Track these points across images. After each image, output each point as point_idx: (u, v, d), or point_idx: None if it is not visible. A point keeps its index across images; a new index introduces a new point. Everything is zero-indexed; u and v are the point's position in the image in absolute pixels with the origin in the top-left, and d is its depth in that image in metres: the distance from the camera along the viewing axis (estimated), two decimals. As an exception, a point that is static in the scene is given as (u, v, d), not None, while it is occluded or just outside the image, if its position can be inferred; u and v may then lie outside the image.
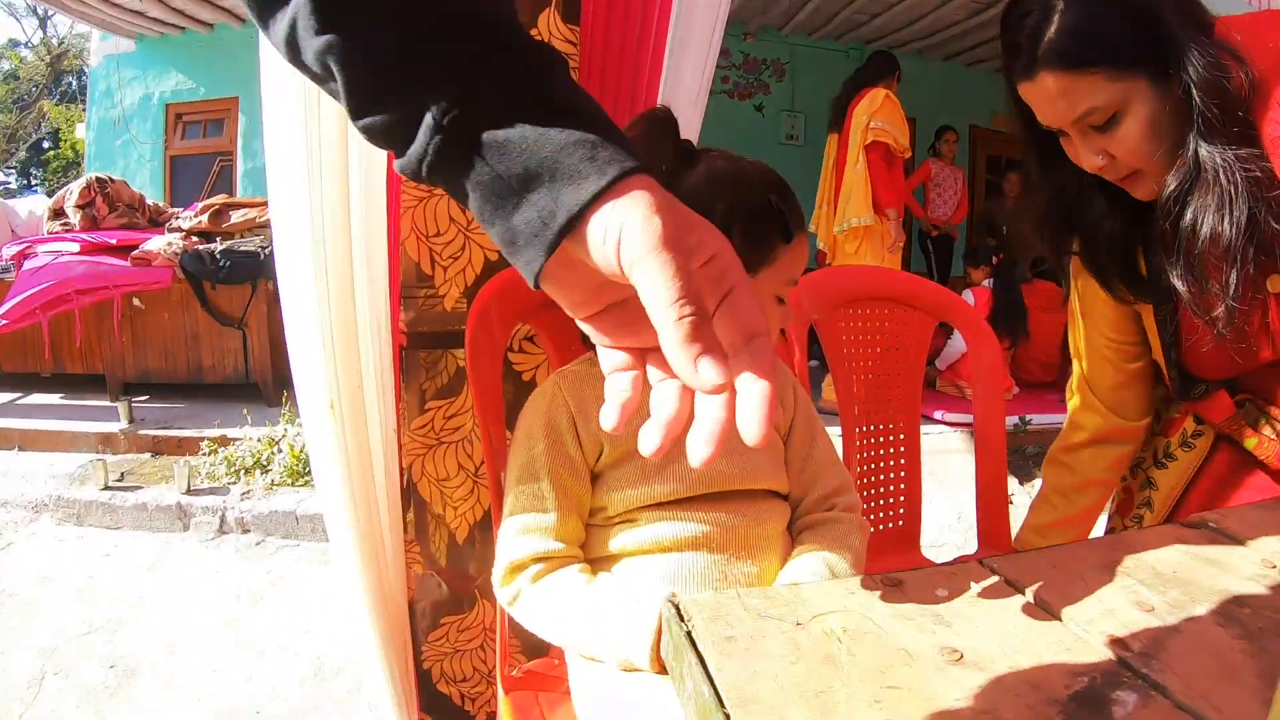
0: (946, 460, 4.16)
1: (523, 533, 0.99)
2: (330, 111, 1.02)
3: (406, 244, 1.29)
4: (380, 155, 1.11)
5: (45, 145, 18.09)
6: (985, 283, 5.43)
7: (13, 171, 18.34)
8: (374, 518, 1.19)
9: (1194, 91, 1.01)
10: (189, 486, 3.55)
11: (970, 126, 8.38)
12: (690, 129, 1.44)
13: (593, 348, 1.10)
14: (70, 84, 17.77)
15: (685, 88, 1.43)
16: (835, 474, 1.13)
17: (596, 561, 1.03)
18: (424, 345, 1.32)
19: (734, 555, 1.00)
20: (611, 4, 1.34)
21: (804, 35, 7.63)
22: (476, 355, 1.08)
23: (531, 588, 0.98)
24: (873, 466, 1.66)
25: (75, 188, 5.43)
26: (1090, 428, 1.41)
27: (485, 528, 1.43)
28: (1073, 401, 1.44)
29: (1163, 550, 0.86)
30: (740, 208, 1.00)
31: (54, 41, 18.02)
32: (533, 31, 1.30)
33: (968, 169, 8.28)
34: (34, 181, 17.91)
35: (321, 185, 1.02)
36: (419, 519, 1.41)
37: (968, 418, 4.48)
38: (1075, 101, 1.07)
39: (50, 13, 15.20)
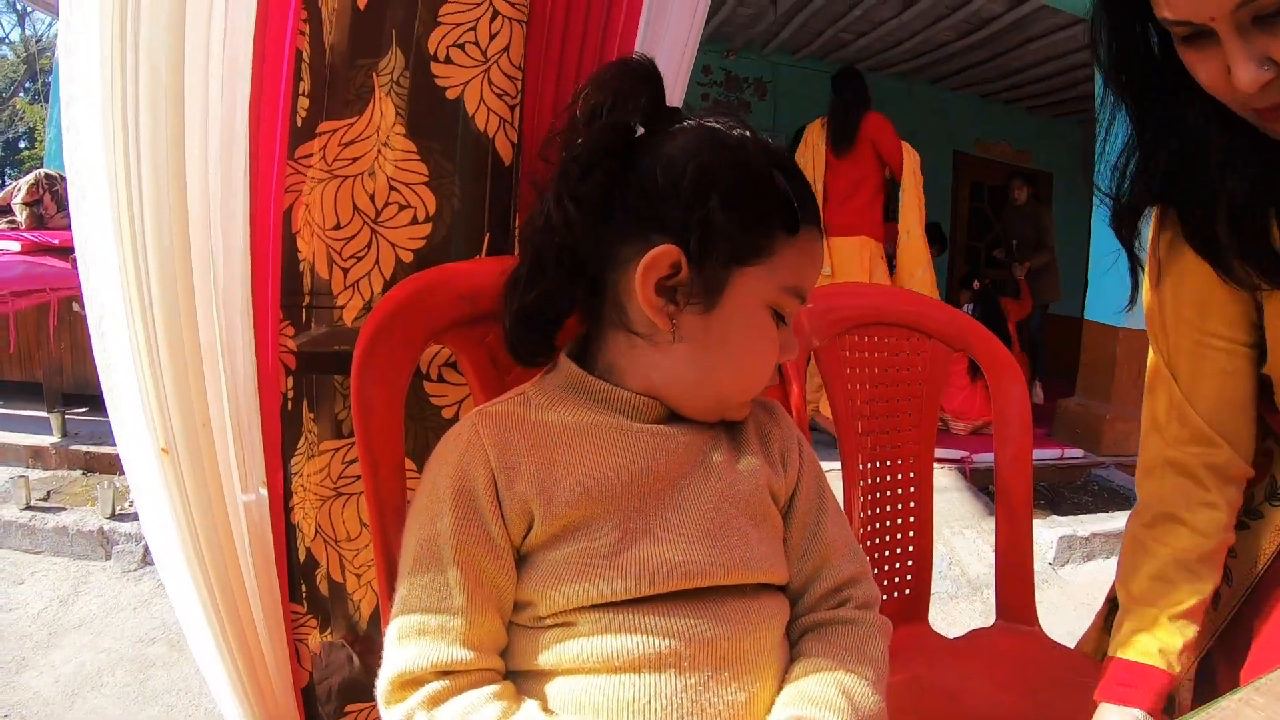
0: (935, 500, 3.92)
1: (419, 635, 0.70)
2: (156, 29, 0.73)
3: (300, 239, 1.00)
4: (242, 108, 0.81)
5: (21, 145, 17.78)
6: (966, 307, 5.26)
7: (-14, 169, 17.99)
8: (235, 592, 0.90)
9: None
10: (114, 510, 3.25)
11: (954, 152, 8.24)
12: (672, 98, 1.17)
13: (530, 376, 0.81)
14: (49, 82, 17.41)
15: (665, 57, 1.16)
16: (849, 558, 0.84)
17: (522, 678, 0.74)
18: (320, 369, 1.03)
19: (714, 677, 0.71)
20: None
21: (787, 54, 7.42)
22: (367, 382, 0.80)
23: (428, 715, 0.69)
24: (877, 527, 1.38)
25: (24, 184, 5.15)
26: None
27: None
28: (1153, 442, 1.03)
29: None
30: (725, 172, 0.73)
31: (33, 39, 17.72)
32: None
33: (951, 194, 8.13)
34: (8, 179, 17.55)
35: (139, 147, 0.73)
36: (316, 587, 1.12)
37: (955, 453, 4.26)
38: None
39: (28, 9, 14.87)
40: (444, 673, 0.69)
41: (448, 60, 1.02)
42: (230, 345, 0.84)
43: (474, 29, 1.03)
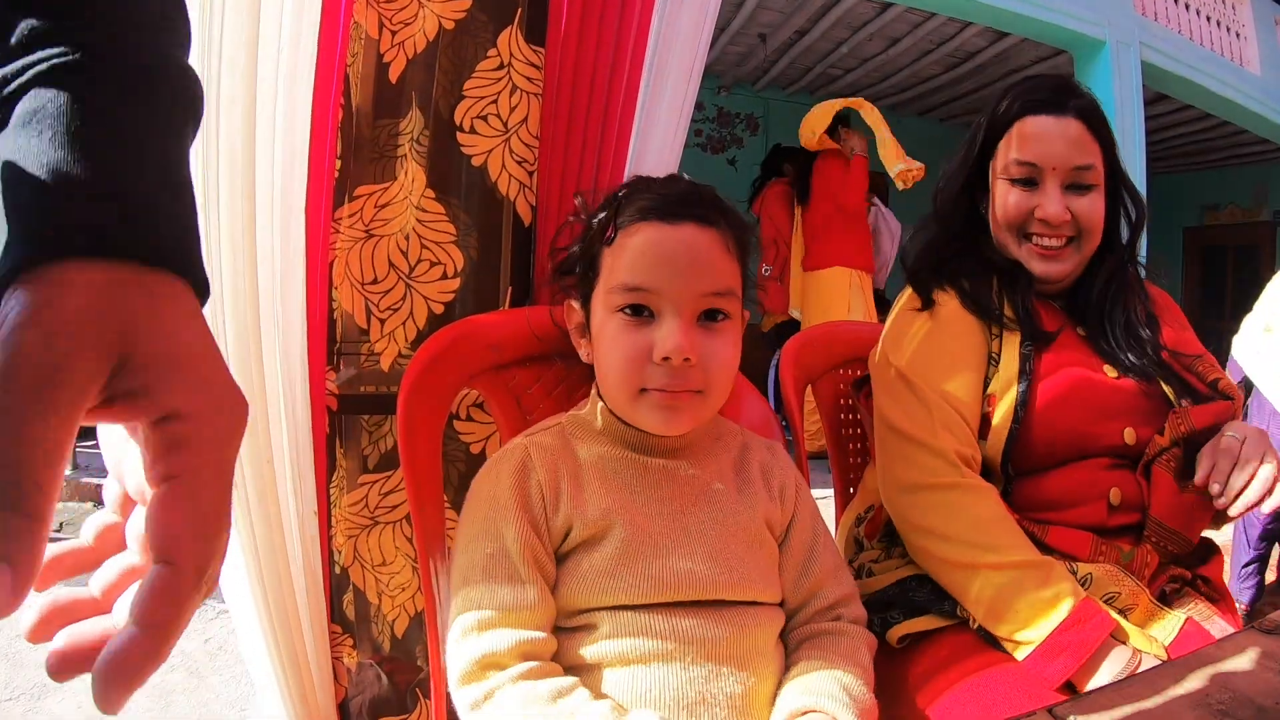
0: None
1: (497, 625, 0.81)
2: (233, 122, 0.85)
3: (339, 292, 1.12)
4: (299, 179, 0.93)
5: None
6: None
7: None
8: (290, 614, 1.00)
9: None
10: (128, 542, 3.32)
11: (941, 182, 8.34)
12: (667, 168, 1.29)
13: (549, 413, 0.93)
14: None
15: (661, 126, 1.28)
16: (840, 583, 0.97)
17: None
18: (360, 410, 1.14)
19: (714, 672, 0.84)
20: (583, 28, 1.19)
21: (779, 89, 7.58)
22: (411, 424, 0.91)
23: (513, 688, 0.79)
24: (868, 545, 1.49)
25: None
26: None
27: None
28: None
29: (1255, 673, 0.71)
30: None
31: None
32: (491, 52, 1.14)
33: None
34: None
35: (219, 216, 0.84)
36: (353, 608, 1.22)
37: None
38: (1085, 153, 1.16)
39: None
40: (528, 654, 0.80)
41: (472, 130, 1.14)
42: (290, 388, 0.95)
43: (495, 102, 1.15)
